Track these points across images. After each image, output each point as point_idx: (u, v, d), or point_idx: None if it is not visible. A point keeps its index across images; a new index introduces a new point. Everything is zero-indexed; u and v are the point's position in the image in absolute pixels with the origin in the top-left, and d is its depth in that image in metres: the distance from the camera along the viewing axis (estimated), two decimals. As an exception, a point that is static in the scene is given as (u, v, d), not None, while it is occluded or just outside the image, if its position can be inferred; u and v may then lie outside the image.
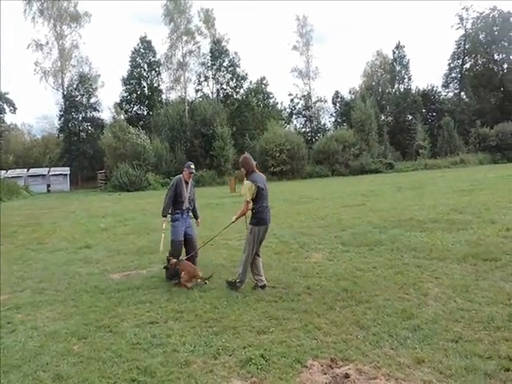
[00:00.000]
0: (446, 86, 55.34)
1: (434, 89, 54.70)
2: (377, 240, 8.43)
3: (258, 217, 5.58)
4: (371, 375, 3.23)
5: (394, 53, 53.97)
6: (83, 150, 45.46)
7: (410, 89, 53.42)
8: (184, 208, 6.32)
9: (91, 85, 48.02)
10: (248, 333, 4.15)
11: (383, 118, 52.32)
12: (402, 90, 53.56)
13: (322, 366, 3.42)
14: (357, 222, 10.84)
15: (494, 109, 49.79)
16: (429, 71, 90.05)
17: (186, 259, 6.28)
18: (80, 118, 47.96)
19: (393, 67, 53.92)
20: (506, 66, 52.04)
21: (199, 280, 5.85)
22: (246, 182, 5.58)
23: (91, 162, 45.17)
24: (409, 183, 23.01)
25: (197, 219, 6.71)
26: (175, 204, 6.25)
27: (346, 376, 3.23)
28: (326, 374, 3.30)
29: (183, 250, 6.61)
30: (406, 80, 53.79)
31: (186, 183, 6.32)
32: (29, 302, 5.43)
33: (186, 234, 6.38)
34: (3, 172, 38.86)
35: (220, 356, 3.67)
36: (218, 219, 11.79)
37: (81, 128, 48.72)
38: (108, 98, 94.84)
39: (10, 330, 4.48)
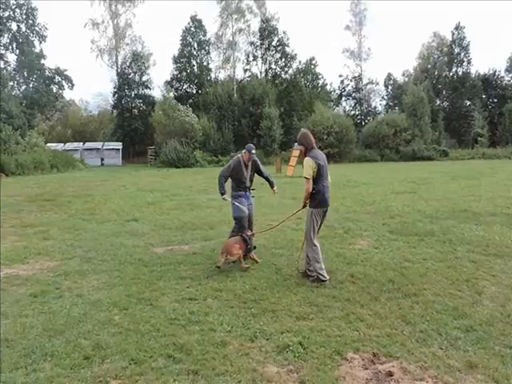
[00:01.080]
0: (510, 70, 50.97)
1: (497, 73, 50.74)
2: (427, 230, 8.00)
3: (319, 198, 5.17)
4: (417, 376, 3.01)
5: (453, 34, 50.34)
6: (135, 127, 46.73)
7: (470, 73, 49.83)
8: (246, 186, 6.25)
9: (143, 63, 48.92)
10: (287, 317, 4.03)
11: (438, 102, 49.41)
12: (460, 73, 50.11)
13: (363, 360, 3.24)
14: (406, 210, 10.36)
15: (563, 96, 45.50)
16: (491, 54, 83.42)
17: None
18: (132, 95, 49.06)
19: (451, 49, 50.36)
20: None
21: (230, 259, 5.56)
22: (307, 159, 5.17)
23: (142, 138, 46.41)
24: (465, 172, 21.73)
25: (272, 187, 6.50)
26: (237, 183, 6.16)
27: (389, 374, 3.03)
28: (367, 369, 3.12)
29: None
30: (465, 63, 50.17)
31: (246, 165, 6.14)
32: (76, 270, 5.63)
33: (248, 209, 6.28)
34: (61, 145, 40.96)
35: (257, 339, 3.59)
36: (262, 199, 11.69)
37: (133, 105, 49.88)
38: (159, 76, 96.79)
39: (58, 296, 4.66)
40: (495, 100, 50.12)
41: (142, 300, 4.51)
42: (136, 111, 49.90)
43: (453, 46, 50.51)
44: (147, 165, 37.53)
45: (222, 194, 6.11)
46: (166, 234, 8.10)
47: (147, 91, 49.42)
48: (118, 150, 43.01)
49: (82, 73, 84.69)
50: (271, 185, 6.49)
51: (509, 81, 50.94)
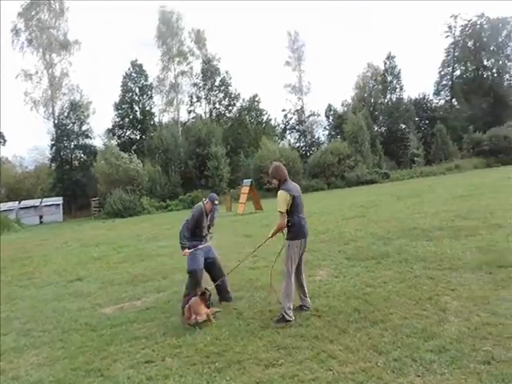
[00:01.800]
0: (437, 93, 55.68)
1: (426, 97, 54.86)
2: (383, 252, 8.05)
3: (295, 230, 5.07)
4: (400, 412, 2.80)
5: (385, 63, 54.21)
6: (76, 179, 44.79)
7: (402, 98, 53.50)
8: (203, 235, 5.96)
9: (83, 112, 47.52)
10: (255, 367, 3.72)
11: (376, 128, 52.32)
12: (394, 99, 53.66)
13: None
14: (359, 235, 10.46)
15: (486, 114, 49.89)
16: (420, 80, 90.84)
17: (216, 285, 5.87)
18: (72, 146, 47.21)
19: (384, 78, 54.03)
20: (494, 70, 52.64)
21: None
22: (281, 192, 5.11)
23: (84, 190, 44.41)
24: (407, 191, 22.73)
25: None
26: (193, 232, 5.81)
27: (371, 415, 2.80)
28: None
29: (207, 277, 6.10)
30: (397, 90, 53.78)
31: (207, 214, 5.91)
32: (12, 348, 4.96)
33: (208, 258, 5.93)
34: (-6, 206, 38.22)
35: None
36: (214, 241, 11.35)
37: (73, 156, 47.96)
38: (100, 124, 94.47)
39: (-12, 383, 4.02)
40: (427, 121, 53.95)
41: (90, 372, 3.99)
42: (77, 163, 47.98)
43: (386, 74, 54.06)
44: (91, 218, 35.79)
45: (184, 248, 5.69)
46: (114, 290, 7.50)
47: (88, 141, 47.75)
48: (58, 205, 40.72)
49: (14, 127, 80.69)
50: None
51: (437, 103, 55.55)
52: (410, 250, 8.01)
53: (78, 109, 46.71)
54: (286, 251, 5.08)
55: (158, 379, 3.68)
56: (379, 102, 54.15)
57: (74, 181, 44.72)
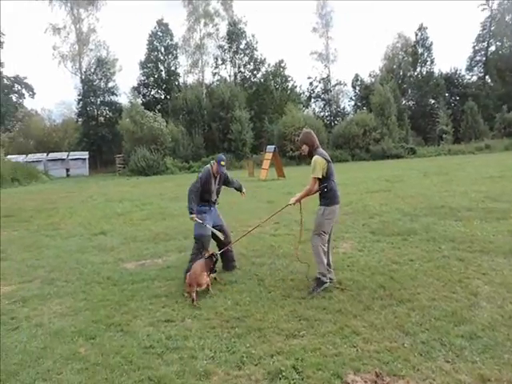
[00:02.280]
0: (470, 69, 52.85)
1: (458, 72, 52.48)
2: (409, 229, 7.81)
3: (331, 195, 4.94)
4: (428, 397, 2.69)
5: (417, 35, 51.67)
6: (102, 135, 45.35)
7: (433, 72, 51.18)
8: (212, 200, 5.60)
9: (109, 69, 47.63)
10: (276, 336, 3.65)
11: (404, 101, 50.47)
12: (424, 73, 51.44)
13: (365, 382, 2.89)
14: (384, 209, 10.19)
15: (521, 93, 47.47)
16: (452, 54, 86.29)
17: (221, 253, 5.56)
18: (98, 103, 47.63)
19: (415, 50, 51.67)
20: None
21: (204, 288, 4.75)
22: (317, 158, 4.94)
23: (110, 146, 45.03)
24: (434, 169, 22.03)
25: (241, 191, 6.12)
26: (201, 197, 5.47)
27: (398, 397, 2.70)
28: (372, 392, 2.78)
29: (213, 244, 5.83)
30: (428, 63, 51.55)
31: (215, 177, 5.53)
32: (36, 295, 5.05)
33: (215, 224, 5.61)
34: (23, 156, 39.14)
35: (244, 365, 3.18)
36: (235, 205, 11.29)
37: (99, 112, 48.41)
38: (126, 82, 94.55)
39: (13, 327, 4.09)
40: (457, 98, 51.67)
41: (111, 326, 4.01)
42: (102, 119, 48.47)
43: (416, 46, 51.75)
44: (116, 174, 36.35)
45: (192, 212, 5.34)
46: (137, 246, 7.57)
47: (114, 98, 48.18)
48: (85, 159, 41.51)
49: (43, 81, 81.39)
50: (240, 190, 6.10)
51: (469, 79, 52.86)
52: (437, 228, 7.74)
53: (104, 65, 46.81)
54: (319, 217, 4.91)
55: (178, 339, 3.65)
56: (408, 74, 51.92)
57: (99, 136, 45.29)
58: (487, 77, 52.14)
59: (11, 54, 74.02)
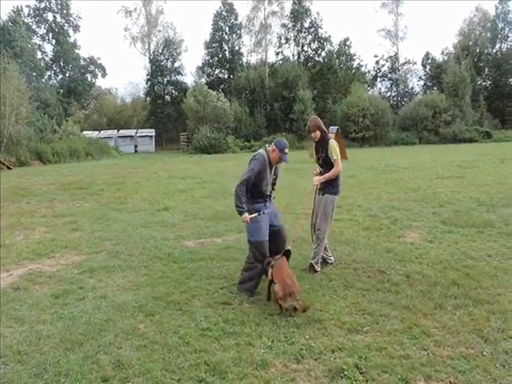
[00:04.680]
0: (559, 44, 47.19)
1: (544, 48, 47.02)
2: (486, 221, 7.13)
3: (339, 184, 4.99)
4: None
5: (497, 8, 46.79)
6: (168, 113, 46.90)
7: (515, 48, 46.45)
8: (267, 193, 4.40)
9: (175, 49, 48.87)
10: (337, 329, 3.44)
11: (480, 81, 46.34)
12: (504, 50, 46.70)
13: None
14: (457, 197, 9.44)
15: None
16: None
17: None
18: (165, 82, 49.22)
19: (494, 24, 46.86)
20: None
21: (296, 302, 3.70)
22: (334, 142, 4.93)
23: (175, 125, 46.54)
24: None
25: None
26: (253, 191, 4.29)
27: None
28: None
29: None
30: (509, 39, 46.73)
31: (271, 166, 4.33)
32: (102, 267, 5.24)
33: (273, 225, 4.39)
34: (96, 132, 41.59)
35: (303, 359, 3.01)
36: (297, 186, 11.04)
37: (166, 91, 50.07)
38: (191, 62, 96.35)
39: (80, 298, 4.25)
40: (542, 77, 46.56)
41: (170, 304, 4.02)
42: (168, 98, 50.10)
43: (496, 20, 47.04)
44: (179, 151, 37.50)
45: (242, 212, 4.17)
46: (197, 224, 7.64)
47: (179, 77, 49.60)
48: (151, 136, 43.24)
49: (115, 61, 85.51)
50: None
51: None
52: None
53: (171, 46, 48.09)
54: (328, 206, 4.89)
55: (235, 324, 3.58)
56: (486, 51, 47.43)
57: (165, 115, 46.88)
58: None
59: (87, 37, 78.36)
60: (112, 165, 23.62)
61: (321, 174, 4.96)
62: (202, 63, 48.24)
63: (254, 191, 4.30)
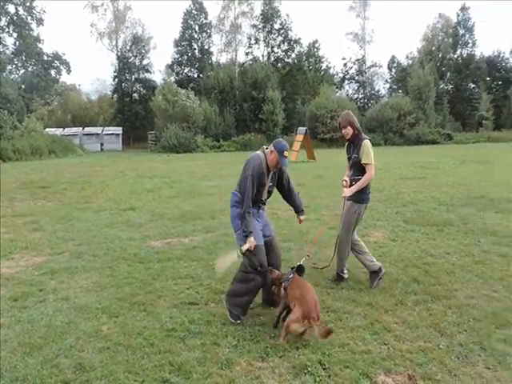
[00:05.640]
0: (515, 52, 49.87)
1: (501, 55, 49.47)
2: (445, 220, 7.44)
3: (368, 192, 4.42)
4: (467, 408, 2.48)
5: (458, 15, 48.91)
6: (135, 111, 46.09)
7: (474, 55, 48.57)
8: (262, 200, 3.96)
9: (144, 46, 48.11)
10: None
11: (442, 85, 48.22)
12: (464, 55, 48.83)
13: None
14: (419, 197, 9.79)
15: None
16: (496, 36, 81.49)
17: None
18: (133, 80, 48.38)
19: (456, 31, 48.97)
20: None
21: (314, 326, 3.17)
22: (369, 143, 4.30)
23: (143, 123, 45.74)
24: (472, 156, 21.04)
25: (299, 213, 4.20)
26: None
27: (433, 405, 2.50)
28: (404, 397, 2.59)
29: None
30: (469, 45, 48.89)
31: (268, 170, 3.84)
32: (65, 268, 5.09)
33: (264, 234, 3.91)
34: (61, 130, 40.23)
35: (268, 357, 3.04)
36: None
37: (133, 89, 49.22)
38: (160, 60, 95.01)
39: (40, 300, 4.11)
40: (500, 83, 48.89)
41: (135, 305, 3.96)
42: (136, 95, 49.23)
43: (458, 27, 49.11)
44: (147, 150, 36.89)
45: (249, 234, 3.62)
46: (164, 224, 7.55)
47: (148, 75, 48.90)
48: (118, 134, 42.30)
49: (80, 57, 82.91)
50: (298, 210, 4.21)
51: (514, 63, 49.81)
52: (476, 220, 7.33)
53: (139, 43, 47.29)
54: (351, 215, 4.37)
55: (201, 324, 3.56)
56: (448, 57, 49.42)
57: (133, 113, 46.07)
58: (534, 61, 48.99)
59: (51, 31, 75.63)
60: (77, 163, 22.94)
61: (351, 180, 4.40)
62: (172, 61, 47.77)
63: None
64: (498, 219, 7.35)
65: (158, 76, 69.36)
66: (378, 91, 53.55)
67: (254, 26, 47.89)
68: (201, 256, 5.56)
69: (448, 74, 49.74)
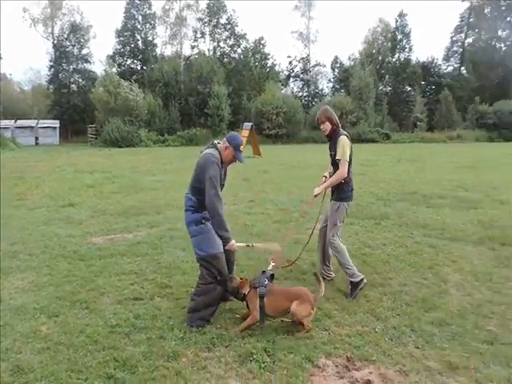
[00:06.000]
0: (446, 59, 53.92)
1: (435, 61, 53.32)
2: (382, 213, 7.90)
3: (350, 189, 4.28)
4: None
5: (397, 21, 51.80)
6: (74, 103, 43.73)
7: (410, 59, 51.75)
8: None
9: (83, 35, 45.66)
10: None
11: (382, 87, 50.81)
12: (402, 59, 51.81)
13: (336, 366, 2.86)
14: (359, 193, 10.21)
15: (494, 86, 48.56)
16: (430, 43, 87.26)
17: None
18: (71, 70, 45.82)
19: (394, 35, 51.82)
20: (508, 43, 50.36)
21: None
22: (345, 139, 4.12)
23: (82, 116, 43.53)
24: (408, 155, 22.38)
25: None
26: (201, 200, 3.49)
27: (368, 383, 2.68)
28: (342, 378, 2.75)
29: None
30: (406, 50, 51.99)
31: (223, 166, 3.63)
32: (-3, 268, 4.78)
33: (221, 236, 3.54)
34: (-11, 122, 37.30)
35: (215, 347, 3.09)
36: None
37: (71, 80, 46.63)
38: (101, 50, 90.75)
39: (-30, 302, 3.86)
40: (433, 87, 52.40)
41: (76, 303, 3.83)
42: (75, 87, 46.65)
43: (396, 32, 51.85)
44: (87, 144, 35.26)
45: (228, 238, 3.49)
46: (106, 220, 7.32)
47: (87, 65, 46.42)
48: (55, 128, 39.92)
49: (11, 44, 77.17)
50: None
51: (445, 69, 53.76)
52: (409, 214, 7.85)
53: (78, 31, 44.78)
54: (334, 214, 4.26)
55: (146, 318, 3.53)
56: (387, 60, 52.14)
57: (71, 105, 43.66)
58: (462, 68, 53.10)
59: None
60: (8, 158, 21.39)
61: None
62: (113, 52, 45.84)
63: (203, 197, 3.46)
64: (429, 213, 7.91)
65: (98, 67, 66.39)
66: (322, 90, 55.24)
67: (200, 19, 47.39)
68: (145, 251, 5.47)
69: (387, 76, 52.35)
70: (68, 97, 44.52)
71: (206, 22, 47.35)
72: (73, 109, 43.84)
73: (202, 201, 3.47)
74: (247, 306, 3.40)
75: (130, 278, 4.50)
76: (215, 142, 3.71)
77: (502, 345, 3.12)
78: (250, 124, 22.89)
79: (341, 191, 4.25)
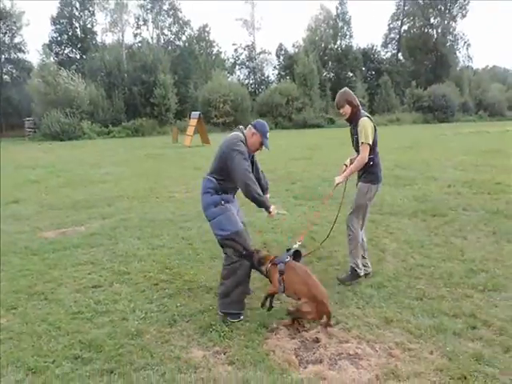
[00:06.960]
0: (385, 46, 56.90)
1: (374, 48, 55.62)
2: (328, 194, 8.35)
3: (378, 171, 4.10)
4: (342, 338, 3.05)
5: (338, 8, 53.33)
6: (7, 96, 40.97)
7: (352, 46, 53.59)
8: (236, 187, 3.65)
9: (14, 22, 42.62)
10: (205, 295, 3.82)
11: (325, 73, 52.23)
12: (343, 46, 53.46)
13: (288, 329, 3.18)
14: (306, 176, 10.76)
15: (428, 71, 51.87)
16: (370, 30, 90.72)
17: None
18: (2, 60, 42.81)
19: (336, 23, 53.32)
20: (439, 30, 53.68)
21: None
22: (367, 120, 3.96)
23: (17, 109, 40.93)
24: (350, 138, 23.34)
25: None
26: (227, 181, 3.49)
27: (316, 340, 3.03)
28: (294, 338, 3.07)
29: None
30: (347, 37, 53.73)
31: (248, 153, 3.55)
32: None
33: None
34: None
35: (176, 323, 3.31)
36: (161, 170, 11.13)
37: (3, 71, 43.61)
38: (35, 38, 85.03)
39: None
40: (373, 72, 54.71)
41: (34, 295, 3.87)
42: (8, 78, 43.66)
43: (337, 19, 53.29)
44: (25, 138, 33.30)
45: (268, 206, 3.57)
46: (55, 215, 7.20)
47: (21, 55, 43.51)
48: (-13, 122, 37.32)
49: None
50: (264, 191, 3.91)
51: (384, 55, 56.31)
52: (352, 193, 8.36)
53: (8, 18, 41.67)
54: (361, 197, 4.14)
55: (107, 303, 3.66)
56: (329, 47, 53.60)
57: (4, 98, 40.84)
58: (400, 54, 55.92)
59: None
60: None
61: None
62: (50, 41, 43.29)
63: (227, 181, 3.48)
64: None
65: (33, 56, 62.40)
66: (268, 77, 55.79)
67: (142, 6, 45.93)
68: (100, 242, 5.51)
69: (330, 63, 53.81)
70: (0, 89, 41.64)
71: (148, 9, 45.97)
72: (7, 101, 41.08)
73: (223, 182, 3.47)
74: (270, 280, 3.44)
75: (87, 268, 4.57)
76: (241, 127, 3.67)
77: (429, 299, 3.59)
78: (198, 113, 22.82)
79: (370, 173, 4.10)
